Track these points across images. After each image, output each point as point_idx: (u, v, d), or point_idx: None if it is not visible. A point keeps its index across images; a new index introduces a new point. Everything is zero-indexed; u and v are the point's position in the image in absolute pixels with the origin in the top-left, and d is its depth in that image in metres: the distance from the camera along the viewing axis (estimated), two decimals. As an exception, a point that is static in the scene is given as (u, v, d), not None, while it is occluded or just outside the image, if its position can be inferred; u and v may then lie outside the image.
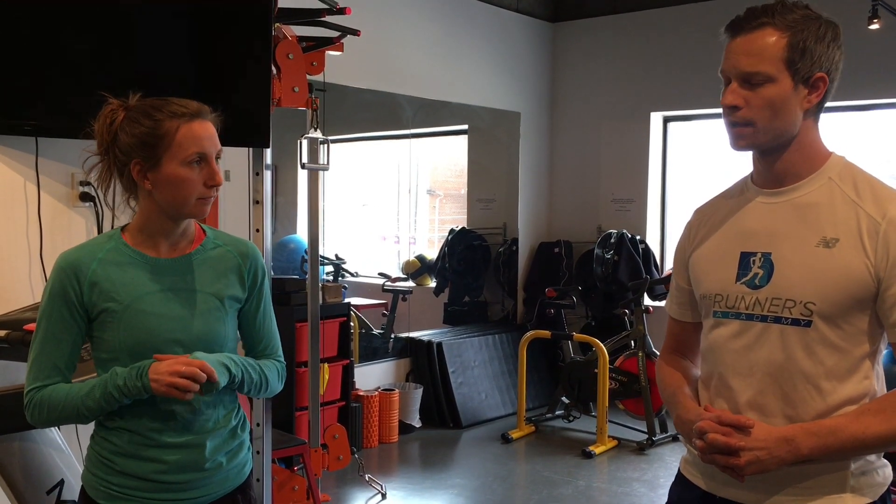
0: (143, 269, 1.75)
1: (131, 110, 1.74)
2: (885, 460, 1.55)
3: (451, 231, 6.91)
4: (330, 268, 6.82)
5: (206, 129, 1.73)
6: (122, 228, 1.81)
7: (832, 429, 1.44)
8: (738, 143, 1.54)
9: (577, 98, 6.64)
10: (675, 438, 5.37)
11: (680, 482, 1.71)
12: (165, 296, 1.75)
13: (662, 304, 6.25)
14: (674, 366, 1.76)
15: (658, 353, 5.57)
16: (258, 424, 3.30)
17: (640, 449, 5.19)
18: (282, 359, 1.96)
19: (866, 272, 1.45)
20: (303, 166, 3.47)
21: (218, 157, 1.76)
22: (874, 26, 4.85)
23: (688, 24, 6.07)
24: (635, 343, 5.47)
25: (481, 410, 5.82)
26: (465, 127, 7.08)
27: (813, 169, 1.55)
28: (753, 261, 1.55)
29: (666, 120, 6.47)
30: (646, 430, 5.31)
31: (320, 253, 6.71)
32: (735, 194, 1.67)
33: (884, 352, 1.55)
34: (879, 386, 1.54)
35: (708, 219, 1.69)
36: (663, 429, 5.42)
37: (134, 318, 1.71)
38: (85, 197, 3.12)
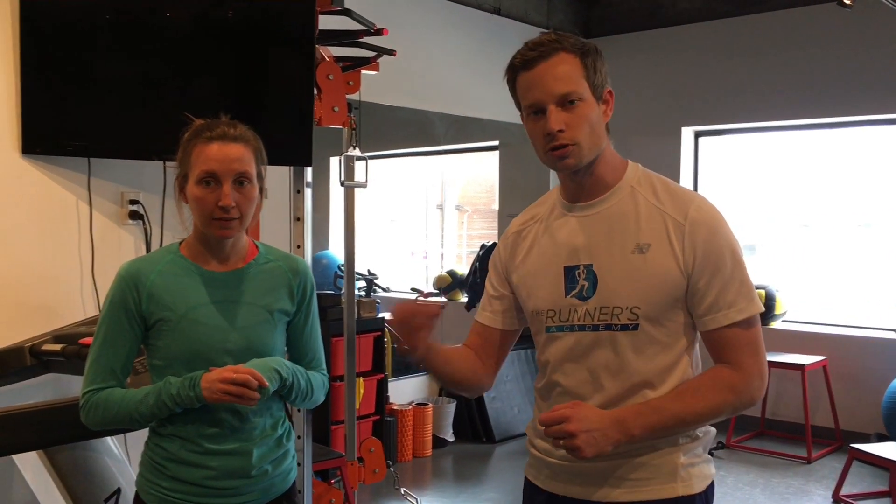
0: (198, 281, 1.83)
1: (191, 129, 1.83)
2: (709, 456, 1.68)
3: (483, 246, 6.95)
4: (362, 283, 6.89)
5: (223, 151, 1.77)
6: (181, 242, 1.89)
7: (656, 408, 1.53)
8: (567, 163, 1.57)
9: (607, 113, 6.65)
10: (710, 453, 5.34)
11: (528, 488, 1.77)
12: (218, 307, 1.82)
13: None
14: (458, 350, 1.81)
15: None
16: (298, 437, 3.37)
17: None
18: (325, 371, 2.03)
19: (678, 271, 1.55)
20: (342, 184, 3.54)
21: (241, 182, 1.79)
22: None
23: (718, 40, 6.10)
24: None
25: (514, 425, 5.84)
26: (496, 143, 7.14)
27: (616, 179, 1.63)
28: (578, 273, 1.61)
29: (697, 135, 6.49)
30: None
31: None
32: (546, 212, 1.72)
33: (696, 343, 1.64)
34: (697, 373, 1.64)
35: (525, 236, 1.73)
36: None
37: (188, 328, 1.79)
38: (134, 215, 3.22)
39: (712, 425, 1.66)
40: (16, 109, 2.95)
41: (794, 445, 5.54)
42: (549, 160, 1.59)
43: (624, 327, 1.57)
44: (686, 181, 6.43)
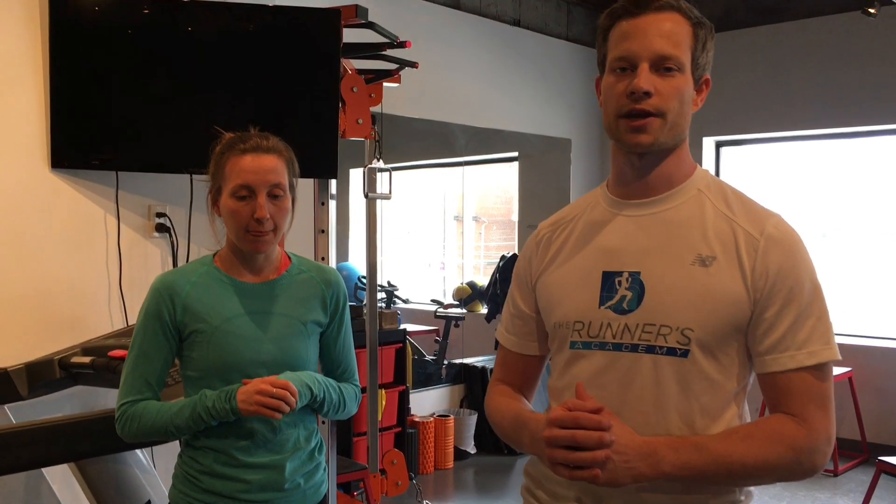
0: (232, 293, 1.83)
1: (223, 143, 1.84)
2: None
3: (503, 257, 6.94)
4: (382, 294, 6.90)
5: (257, 163, 1.77)
6: (214, 254, 1.90)
7: (696, 445, 1.23)
8: (643, 138, 1.29)
9: (627, 124, 6.65)
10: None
11: None
12: (252, 318, 1.82)
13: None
14: (508, 394, 1.52)
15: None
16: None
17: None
18: (358, 383, 2.02)
19: (745, 294, 1.28)
20: (366, 196, 3.55)
21: (275, 195, 1.79)
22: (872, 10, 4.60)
23: (739, 50, 6.08)
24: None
25: (536, 437, 5.80)
26: (516, 154, 7.15)
27: (683, 179, 1.36)
28: (619, 281, 1.33)
29: (718, 145, 6.47)
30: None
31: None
32: (589, 208, 1.45)
33: (748, 388, 1.37)
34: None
35: (559, 235, 1.46)
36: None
37: (222, 339, 1.79)
38: (161, 228, 3.24)
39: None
40: (45, 124, 2.98)
41: (819, 458, 5.47)
42: (619, 129, 1.31)
43: (671, 351, 1.28)
44: (707, 191, 6.40)
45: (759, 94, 6.03)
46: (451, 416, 5.48)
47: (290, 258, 1.95)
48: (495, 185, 8.28)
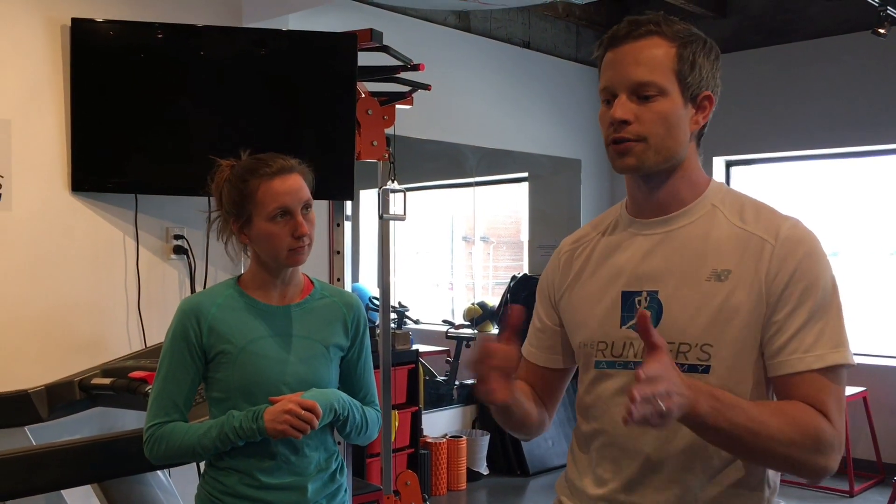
0: (257, 315, 1.86)
1: (233, 172, 1.88)
2: None
3: (514, 278, 6.95)
4: (393, 315, 6.91)
5: (287, 184, 1.82)
6: (238, 278, 1.93)
7: (732, 403, 1.21)
8: (626, 161, 1.32)
9: (637, 144, 6.68)
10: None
11: None
12: (276, 341, 1.85)
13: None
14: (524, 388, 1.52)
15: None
16: (341, 470, 3.37)
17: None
18: (378, 408, 2.03)
19: (763, 300, 1.28)
20: (381, 217, 3.58)
21: (306, 208, 1.85)
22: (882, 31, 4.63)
23: (748, 70, 6.10)
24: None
25: (548, 457, 5.79)
26: (526, 175, 7.18)
27: (695, 196, 1.37)
28: (639, 301, 1.35)
29: (728, 164, 6.48)
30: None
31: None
32: (609, 228, 1.46)
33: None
34: None
35: (580, 254, 1.48)
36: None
37: (247, 361, 1.82)
38: (178, 250, 3.27)
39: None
40: (66, 148, 3.02)
41: (835, 479, 5.43)
42: (609, 155, 1.35)
43: (692, 368, 1.28)
44: (718, 211, 6.41)
45: (769, 113, 6.05)
46: (464, 437, 5.47)
47: (312, 282, 1.97)
48: (504, 205, 8.30)
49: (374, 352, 3.96)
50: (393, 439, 4.30)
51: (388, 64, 3.54)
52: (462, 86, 5.53)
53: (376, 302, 5.58)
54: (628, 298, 1.37)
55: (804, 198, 6.28)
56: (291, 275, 1.90)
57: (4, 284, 2.88)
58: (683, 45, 1.32)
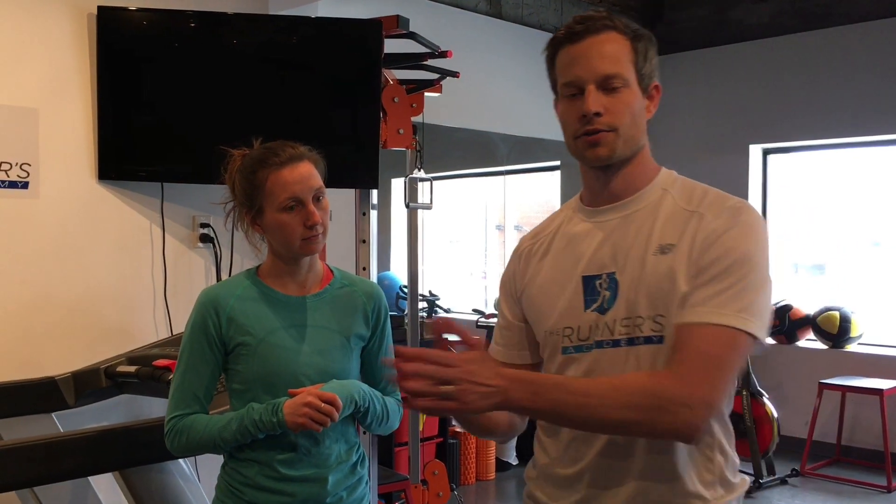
0: (276, 306, 1.84)
1: (243, 162, 1.86)
2: None
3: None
4: (423, 304, 6.89)
5: (297, 173, 1.79)
6: (258, 268, 1.91)
7: (556, 384, 1.29)
8: (600, 151, 1.37)
9: (671, 131, 6.58)
10: (783, 482, 5.19)
11: None
12: (296, 331, 1.83)
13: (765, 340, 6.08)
14: None
15: (763, 392, 5.30)
16: (365, 459, 3.36)
17: (747, 492, 5.03)
18: (400, 397, 2.00)
19: (692, 263, 1.33)
20: (407, 206, 3.55)
21: (318, 197, 1.81)
22: None
23: (787, 56, 5.97)
24: (739, 381, 5.34)
25: (579, 448, 5.73)
26: (558, 163, 7.10)
27: (647, 182, 1.44)
28: (600, 284, 1.40)
29: (766, 152, 6.35)
30: (752, 471, 5.15)
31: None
32: (565, 220, 1.52)
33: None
34: (730, 405, 1.41)
35: (538, 249, 1.53)
36: (770, 471, 5.25)
37: (266, 352, 1.80)
38: (204, 238, 3.27)
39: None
40: (93, 136, 3.03)
41: (872, 473, 5.33)
42: (578, 148, 1.39)
43: (647, 340, 1.33)
44: (754, 200, 6.29)
45: (810, 99, 5.91)
46: (493, 427, 5.43)
47: (332, 272, 1.95)
48: (536, 193, 8.24)
49: (402, 340, 3.98)
50: (421, 429, 4.29)
51: (416, 51, 3.50)
52: (493, 73, 5.47)
53: (406, 290, 5.57)
54: (589, 282, 1.41)
55: (845, 186, 6.13)
56: (310, 264, 1.88)
57: (31, 272, 2.91)
58: (636, 38, 1.40)
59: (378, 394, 1.91)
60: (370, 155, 3.09)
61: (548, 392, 1.24)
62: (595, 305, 1.39)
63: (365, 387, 1.87)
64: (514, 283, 1.55)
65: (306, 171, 1.80)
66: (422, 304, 6.86)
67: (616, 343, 1.36)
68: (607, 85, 1.36)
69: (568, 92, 1.39)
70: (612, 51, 1.37)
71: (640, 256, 1.37)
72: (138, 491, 2.15)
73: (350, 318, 1.89)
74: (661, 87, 1.45)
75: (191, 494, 2.21)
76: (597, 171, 1.43)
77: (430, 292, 7.05)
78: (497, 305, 1.60)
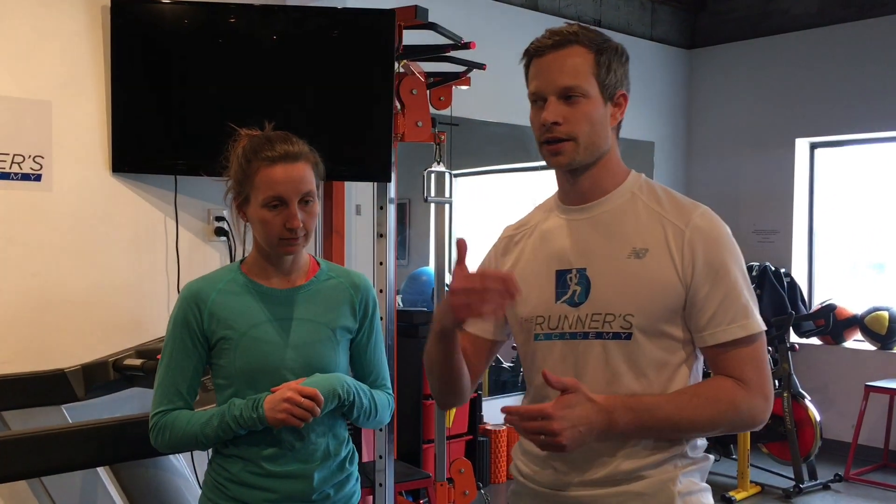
0: (259, 299, 1.80)
1: (245, 146, 1.81)
2: (707, 485, 1.56)
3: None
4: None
5: (287, 173, 1.74)
6: (242, 261, 1.88)
7: (649, 407, 1.44)
8: (559, 159, 1.51)
9: (714, 126, 6.41)
10: (825, 487, 5.01)
11: None
12: (280, 325, 1.79)
13: (809, 341, 5.89)
14: None
15: (805, 394, 5.12)
16: (381, 457, 3.32)
17: (787, 496, 4.86)
18: (391, 391, 1.96)
19: (677, 280, 1.48)
20: (426, 199, 3.50)
21: (306, 201, 1.76)
22: None
23: (835, 46, 5.76)
24: (780, 382, 5.15)
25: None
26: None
27: (616, 184, 1.56)
28: (570, 278, 1.54)
29: (813, 146, 6.13)
30: (792, 476, 4.97)
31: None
32: (543, 215, 1.65)
33: (701, 357, 1.57)
34: None
35: (520, 239, 1.67)
36: (812, 475, 5.06)
37: (249, 346, 1.77)
38: (219, 231, 3.26)
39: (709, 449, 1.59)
40: (107, 129, 3.04)
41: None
42: (543, 153, 1.53)
43: (616, 336, 1.49)
44: (801, 195, 6.09)
45: (857, 92, 5.68)
46: (525, 426, 5.35)
47: (318, 263, 1.90)
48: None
49: (425, 337, 3.92)
50: (449, 426, 4.24)
51: (441, 43, 3.44)
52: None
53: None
54: (561, 276, 1.55)
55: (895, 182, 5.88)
56: (295, 256, 1.84)
57: (45, 264, 2.93)
58: (600, 52, 1.50)
59: (365, 387, 1.87)
60: (383, 148, 3.04)
61: (646, 415, 1.43)
62: (565, 297, 1.53)
63: (350, 380, 1.82)
64: (494, 265, 1.68)
65: (298, 173, 1.75)
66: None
67: (585, 335, 1.51)
68: (567, 95, 1.48)
69: (533, 100, 1.53)
70: (573, 64, 1.48)
71: (612, 256, 1.51)
72: (130, 488, 2.13)
73: (336, 311, 1.85)
74: (629, 95, 1.56)
75: (185, 490, 2.19)
76: (565, 172, 1.56)
77: (466, 289, 6.97)
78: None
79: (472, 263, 1.48)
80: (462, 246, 1.49)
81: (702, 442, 1.57)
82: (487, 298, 1.42)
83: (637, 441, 1.48)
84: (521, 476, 1.63)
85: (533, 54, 1.52)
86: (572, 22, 1.53)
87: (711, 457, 1.59)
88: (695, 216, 1.50)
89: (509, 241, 1.69)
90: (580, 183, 1.56)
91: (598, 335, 1.50)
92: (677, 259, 1.47)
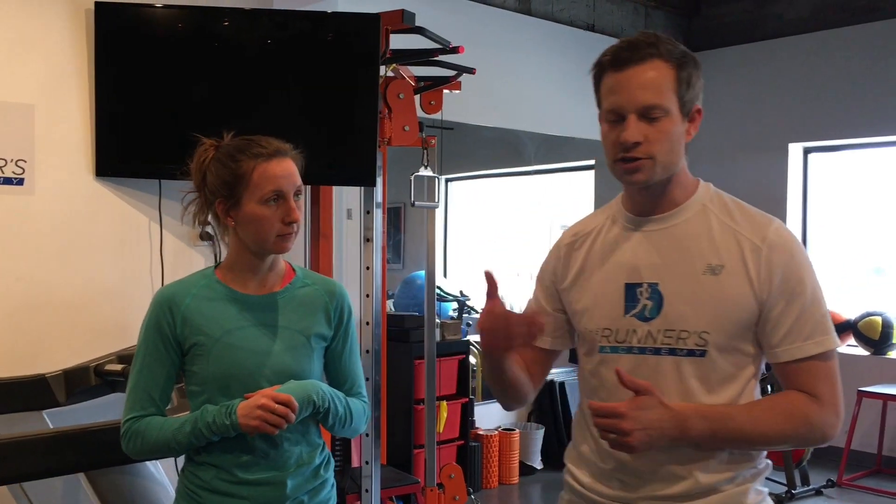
0: (233, 305, 1.79)
1: (220, 150, 1.80)
2: (768, 495, 1.56)
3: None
4: (455, 304, 6.81)
5: (283, 168, 1.76)
6: (216, 266, 1.87)
7: (723, 416, 1.44)
8: (636, 178, 1.46)
9: (708, 129, 6.37)
10: (818, 492, 4.99)
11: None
12: (253, 331, 1.78)
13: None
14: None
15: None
16: (367, 462, 3.31)
17: (779, 502, 4.85)
18: (366, 399, 1.95)
19: (752, 297, 1.46)
20: (413, 203, 3.49)
21: (297, 195, 1.78)
22: None
23: (829, 51, 5.75)
24: (772, 387, 5.15)
25: (606, 454, 5.60)
26: (592, 162, 6.96)
27: (687, 196, 1.54)
28: (640, 292, 1.51)
29: (806, 151, 6.11)
30: (784, 481, 4.96)
31: (446, 290, 6.67)
32: (605, 223, 1.61)
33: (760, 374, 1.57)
34: None
35: (580, 247, 1.63)
36: (805, 481, 5.05)
37: (223, 352, 1.75)
38: (205, 236, 3.25)
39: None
40: (90, 133, 3.03)
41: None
42: (616, 171, 1.48)
43: (690, 353, 1.47)
44: (794, 201, 6.07)
45: (852, 97, 5.67)
46: (517, 430, 5.35)
47: (294, 270, 1.89)
48: (575, 193, 8.11)
49: (420, 341, 3.91)
50: (440, 431, 4.22)
51: (429, 47, 3.43)
52: (523, 70, 5.37)
53: (441, 292, 5.49)
54: (630, 289, 1.52)
55: (891, 187, 5.86)
56: (273, 262, 1.83)
57: (28, 269, 2.92)
58: (680, 66, 1.45)
59: (340, 395, 1.85)
60: (367, 152, 3.03)
61: (719, 424, 1.42)
62: (635, 311, 1.51)
63: (325, 387, 1.81)
64: (556, 276, 1.66)
65: (291, 167, 1.77)
66: (453, 305, 6.78)
67: (657, 351, 1.49)
68: (648, 115, 1.42)
69: (610, 118, 1.46)
70: (654, 80, 1.42)
71: (686, 273, 1.49)
72: (105, 494, 2.12)
73: (311, 318, 1.83)
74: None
75: (163, 498, 2.17)
76: (642, 187, 1.51)
77: (461, 292, 6.96)
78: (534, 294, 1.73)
79: (504, 296, 1.47)
80: (491, 281, 1.46)
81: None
82: (514, 338, 1.44)
83: (712, 454, 1.47)
84: (580, 485, 1.60)
85: (608, 66, 1.46)
86: (646, 32, 1.46)
87: (770, 463, 1.57)
88: (770, 232, 1.48)
89: (569, 248, 1.65)
90: (653, 197, 1.53)
91: (671, 351, 1.48)
92: (754, 276, 1.45)
